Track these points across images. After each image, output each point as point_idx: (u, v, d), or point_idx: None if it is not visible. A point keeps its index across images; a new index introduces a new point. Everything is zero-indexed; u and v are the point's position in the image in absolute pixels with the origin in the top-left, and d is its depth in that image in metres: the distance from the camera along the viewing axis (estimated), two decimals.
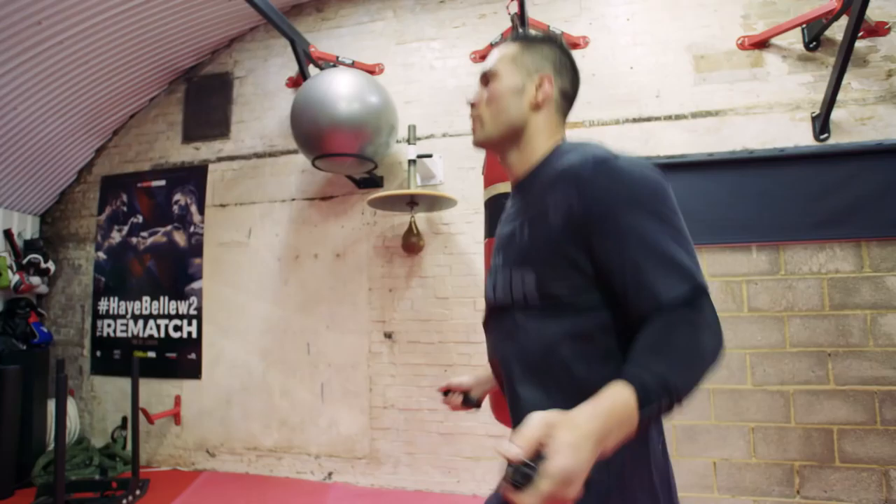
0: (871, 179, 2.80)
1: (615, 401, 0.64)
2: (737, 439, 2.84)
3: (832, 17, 2.75)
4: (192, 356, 3.77)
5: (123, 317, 3.94)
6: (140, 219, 4.00)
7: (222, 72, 3.95)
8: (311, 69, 3.39)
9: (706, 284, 0.76)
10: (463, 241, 3.36)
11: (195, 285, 3.81)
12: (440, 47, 3.54)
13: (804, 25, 2.95)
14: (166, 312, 3.85)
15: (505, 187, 1.97)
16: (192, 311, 3.80)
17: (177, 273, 3.86)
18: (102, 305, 4.01)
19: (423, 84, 3.54)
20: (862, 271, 2.81)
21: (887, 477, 2.68)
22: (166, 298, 3.87)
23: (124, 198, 4.06)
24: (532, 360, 0.88)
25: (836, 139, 2.89)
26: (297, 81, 3.73)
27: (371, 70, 3.51)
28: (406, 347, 3.38)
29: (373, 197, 3.04)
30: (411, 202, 3.09)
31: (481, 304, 3.26)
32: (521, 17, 2.57)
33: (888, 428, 2.70)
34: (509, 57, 0.98)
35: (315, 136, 2.95)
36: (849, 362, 2.76)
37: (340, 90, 2.94)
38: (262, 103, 3.84)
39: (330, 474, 3.42)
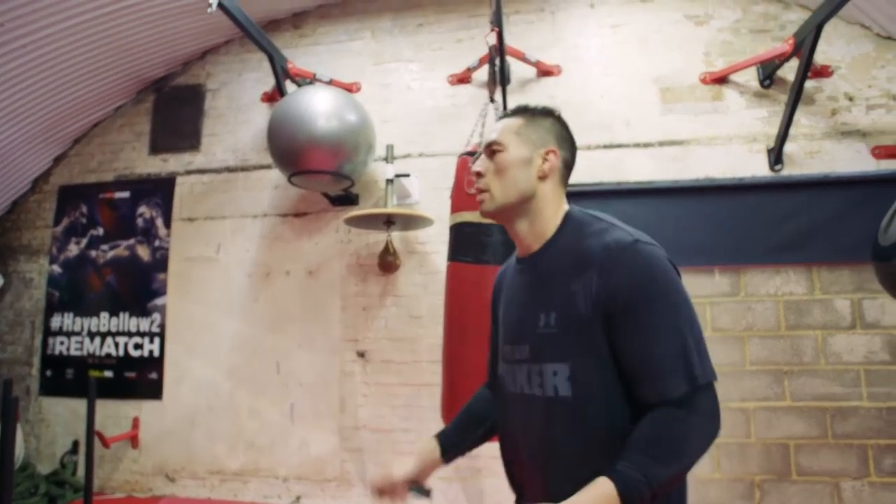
0: (820, 208, 3.01)
1: (599, 496, 0.75)
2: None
3: (784, 58, 2.98)
4: (154, 375, 3.61)
5: (78, 334, 3.74)
6: (101, 231, 3.83)
7: (194, 83, 3.88)
8: (288, 85, 3.38)
9: (710, 377, 0.84)
10: (438, 260, 3.38)
11: (158, 301, 3.67)
12: (418, 69, 3.60)
13: (759, 65, 3.17)
14: (126, 329, 3.68)
15: (470, 216, 2.07)
16: (155, 329, 3.65)
17: (139, 288, 3.71)
18: (55, 322, 3.80)
19: (400, 104, 3.58)
20: (813, 294, 3.00)
21: (838, 489, 2.83)
22: (127, 315, 3.70)
23: (84, 209, 3.88)
24: (562, 447, 0.92)
25: (789, 170, 3.10)
26: (272, 96, 3.70)
27: (349, 88, 3.53)
28: (379, 367, 3.35)
29: (350, 215, 3.03)
30: (388, 221, 3.10)
31: None
32: (499, 49, 2.65)
33: (838, 442, 2.86)
34: (514, 129, 1.02)
35: (292, 152, 2.93)
36: (803, 380, 2.93)
37: (319, 107, 2.94)
38: (236, 117, 3.78)
39: (298, 498, 3.33)
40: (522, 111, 1.06)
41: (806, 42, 2.73)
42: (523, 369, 0.97)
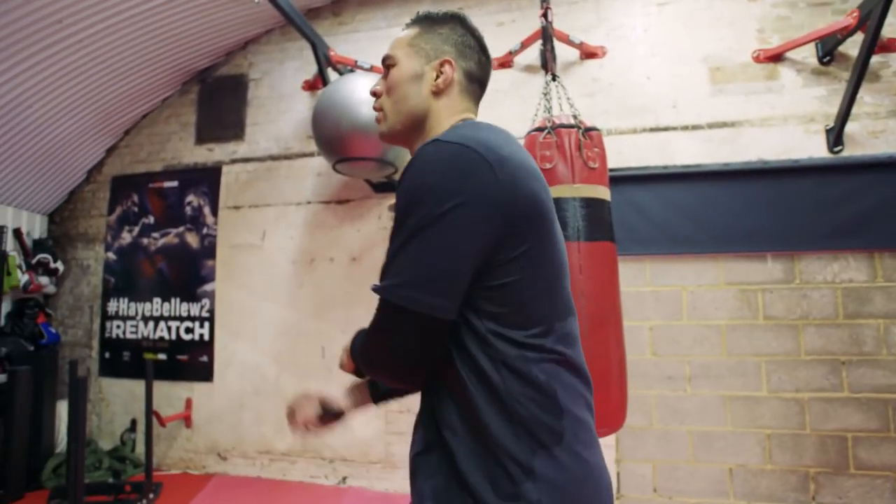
0: (883, 191, 2.86)
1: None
2: (753, 446, 2.88)
3: (847, 33, 2.82)
4: (204, 359, 3.74)
5: (133, 318, 3.91)
6: (151, 219, 3.97)
7: (237, 73, 3.95)
8: (330, 73, 3.40)
9: (402, 294, 0.74)
10: None
11: (207, 287, 3.79)
12: None
13: (818, 40, 3.01)
14: (178, 314, 3.83)
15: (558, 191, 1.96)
16: (205, 314, 3.78)
17: (189, 275, 3.84)
18: (112, 306, 3.97)
19: None
20: (875, 281, 2.87)
21: None
22: (178, 300, 3.84)
23: (135, 198, 4.03)
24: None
25: (850, 151, 2.95)
26: (313, 84, 3.73)
27: None
28: None
29: (394, 202, 3.05)
30: None
31: None
32: (548, 29, 2.59)
33: None
34: (406, 41, 0.92)
35: (337, 139, 2.96)
36: (862, 370, 2.82)
37: (363, 94, 2.95)
38: (278, 106, 3.84)
39: (344, 478, 3.42)
40: (420, 19, 0.94)
41: (872, 14, 2.58)
42: None
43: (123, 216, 4.05)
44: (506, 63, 3.44)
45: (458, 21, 0.94)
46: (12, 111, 3.23)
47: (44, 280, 3.87)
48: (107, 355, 3.96)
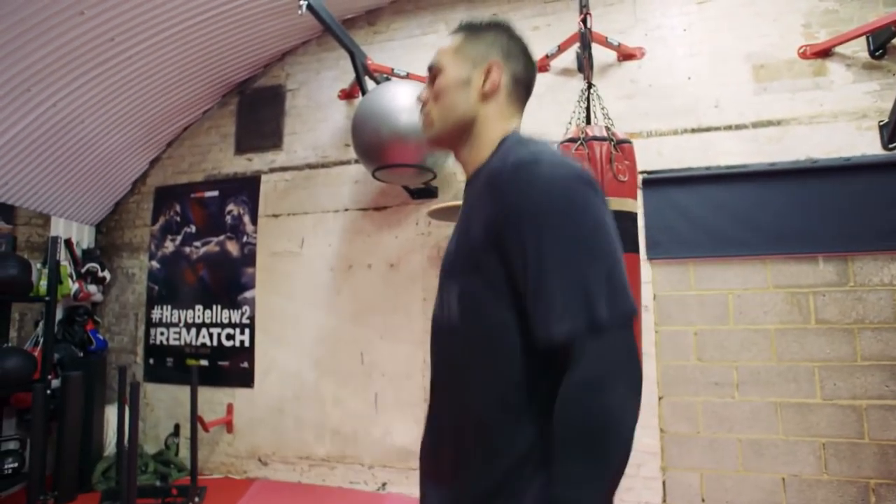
0: None
1: None
2: (807, 455, 2.78)
3: None
4: (245, 365, 3.81)
5: (176, 325, 4.01)
6: (193, 228, 4.07)
7: (275, 84, 4.03)
8: (367, 82, 3.44)
9: (620, 313, 0.68)
10: None
11: (248, 294, 3.87)
12: None
13: (869, 34, 2.91)
14: (219, 321, 3.91)
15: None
16: (245, 320, 3.85)
17: (229, 282, 3.92)
18: (156, 314, 4.08)
19: None
20: None
21: None
22: (219, 307, 3.92)
23: (177, 208, 4.14)
24: (445, 366, 0.88)
25: None
26: (349, 93, 3.79)
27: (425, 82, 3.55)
28: None
29: (434, 208, 3.06)
30: None
31: None
32: (590, 33, 2.57)
33: None
34: (452, 49, 0.93)
35: (377, 147, 2.99)
36: None
37: (401, 102, 2.98)
38: (315, 115, 3.90)
39: (384, 485, 3.42)
40: (465, 27, 0.94)
41: None
42: (439, 293, 0.92)
43: (166, 226, 4.16)
44: (542, 67, 3.43)
45: (501, 27, 0.94)
46: (66, 126, 3.36)
47: (92, 288, 4.01)
48: (151, 361, 4.07)
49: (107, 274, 4.10)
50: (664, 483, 2.98)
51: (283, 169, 3.93)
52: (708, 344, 2.98)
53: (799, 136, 3.00)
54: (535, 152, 0.77)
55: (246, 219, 3.95)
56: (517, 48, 0.94)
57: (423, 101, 0.96)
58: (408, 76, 3.50)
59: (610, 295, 0.67)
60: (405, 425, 3.42)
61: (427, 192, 3.50)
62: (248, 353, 3.82)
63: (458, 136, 0.91)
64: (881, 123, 2.89)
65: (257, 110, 4.05)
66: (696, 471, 2.95)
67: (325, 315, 3.68)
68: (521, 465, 0.74)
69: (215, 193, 4.05)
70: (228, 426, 3.79)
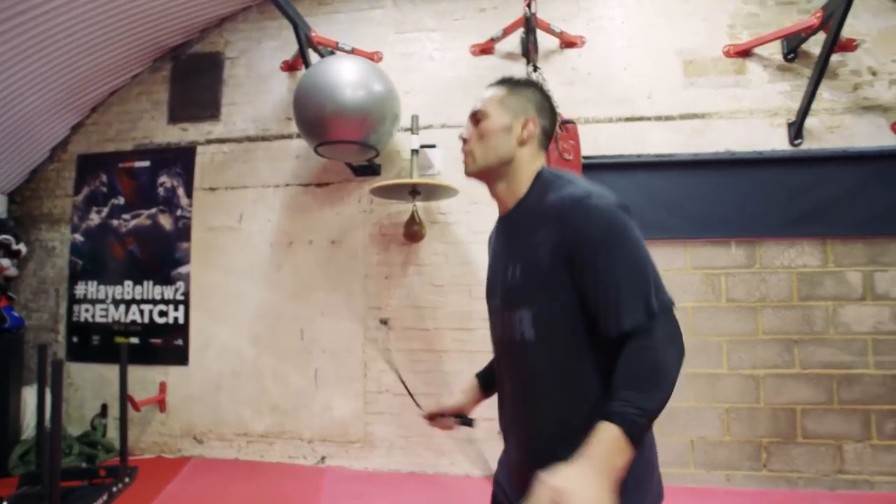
0: (837, 183, 3.07)
1: (608, 443, 0.80)
2: (713, 419, 3.09)
3: (811, 31, 2.98)
4: (179, 342, 3.70)
5: (103, 301, 3.81)
6: (121, 200, 3.86)
7: (212, 52, 3.84)
8: (311, 55, 3.36)
9: (667, 305, 0.90)
10: (459, 230, 3.45)
11: (182, 270, 3.73)
12: (440, 39, 3.58)
13: (784, 38, 3.17)
14: (151, 297, 3.75)
15: None
16: (179, 296, 3.72)
17: (162, 257, 3.76)
18: (80, 290, 3.86)
19: (422, 74, 3.58)
20: (826, 266, 3.09)
21: (841, 451, 2.98)
22: (151, 283, 3.76)
23: (104, 178, 3.90)
24: (531, 387, 1.03)
25: (808, 145, 3.14)
26: (293, 65, 3.68)
27: (370, 57, 3.51)
28: (402, 334, 3.45)
29: (377, 185, 3.07)
30: (413, 191, 3.14)
31: (476, 293, 3.36)
32: (535, 18, 2.64)
33: (844, 407, 3.00)
34: (497, 100, 1.10)
35: (320, 122, 2.95)
36: (812, 349, 3.04)
37: (346, 77, 2.94)
38: (256, 86, 3.77)
39: (323, 458, 3.47)
40: (506, 82, 1.14)
41: (835, 15, 2.74)
42: (499, 318, 1.09)
43: (91, 196, 3.91)
44: (487, 49, 3.48)
45: (537, 87, 1.15)
46: None
47: (5, 262, 3.72)
48: (74, 339, 3.86)
49: (22, 247, 3.81)
50: None
51: (221, 141, 3.78)
52: None
53: (720, 130, 3.25)
54: (584, 189, 0.97)
55: (180, 191, 3.78)
56: (547, 106, 1.14)
57: (466, 139, 1.13)
58: (353, 51, 3.45)
59: (656, 292, 0.90)
60: (345, 400, 3.47)
61: (370, 170, 3.49)
62: (182, 329, 3.70)
63: (496, 172, 1.10)
64: (790, 122, 3.18)
65: (193, 78, 3.85)
66: None
67: (265, 291, 3.63)
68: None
69: (146, 164, 3.84)
70: (161, 405, 3.69)
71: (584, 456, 0.79)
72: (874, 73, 3.14)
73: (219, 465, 3.50)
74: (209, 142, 3.79)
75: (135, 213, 3.82)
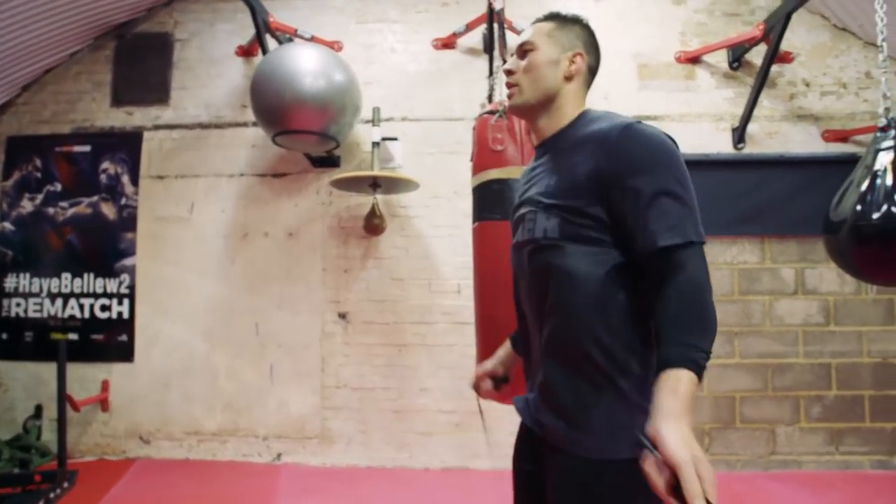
0: (774, 186, 3.29)
1: (687, 390, 0.80)
2: None
3: (754, 42, 3.17)
4: (123, 338, 3.51)
5: (37, 295, 3.56)
6: (58, 187, 3.60)
7: (161, 32, 3.64)
8: (268, 41, 3.25)
9: (697, 238, 0.90)
10: (420, 224, 3.45)
11: (127, 262, 3.53)
12: (402, 31, 3.55)
13: (730, 48, 3.35)
14: (92, 291, 3.54)
15: (497, 173, 2.04)
16: (124, 290, 3.52)
17: (105, 248, 3.55)
18: (10, 282, 3.58)
19: (383, 66, 3.54)
20: (764, 263, 3.31)
21: (774, 434, 3.22)
22: (91, 276, 3.54)
23: (38, 162, 3.63)
24: (550, 287, 1.01)
25: (750, 149, 3.35)
26: (248, 50, 3.55)
27: (330, 47, 3.43)
28: (360, 328, 3.42)
29: (337, 177, 3.02)
30: (374, 184, 3.11)
31: (436, 286, 3.38)
32: (498, 14, 2.66)
33: (777, 394, 3.24)
34: (546, 32, 1.09)
35: (278, 110, 2.86)
36: (750, 340, 3.26)
37: (306, 65, 2.87)
38: (208, 70, 3.61)
39: (279, 455, 3.40)
40: (554, 16, 1.13)
41: (775, 29, 2.92)
42: (525, 223, 1.06)
43: (23, 182, 3.63)
44: (449, 44, 3.48)
45: (584, 24, 1.14)
46: None
47: None
48: (4, 336, 3.58)
49: None
50: None
51: (171, 126, 3.60)
52: None
53: (671, 132, 3.29)
54: (629, 120, 0.97)
55: (125, 179, 3.58)
56: (593, 44, 1.13)
57: (512, 70, 1.10)
58: (313, 39, 3.36)
59: (696, 224, 0.91)
60: (302, 395, 3.41)
61: (329, 161, 3.43)
62: (127, 325, 3.51)
63: (541, 105, 1.08)
64: (734, 127, 3.37)
65: (139, 59, 3.64)
66: None
67: (218, 284, 3.50)
68: (628, 357, 0.95)
69: (86, 148, 3.61)
70: (104, 404, 3.49)
71: (668, 412, 0.78)
72: (808, 85, 3.38)
73: (167, 465, 3.36)
74: (157, 127, 3.60)
75: (74, 201, 3.58)
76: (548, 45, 1.08)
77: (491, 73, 2.59)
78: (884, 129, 2.33)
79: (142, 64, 3.62)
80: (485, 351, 2.05)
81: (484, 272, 2.09)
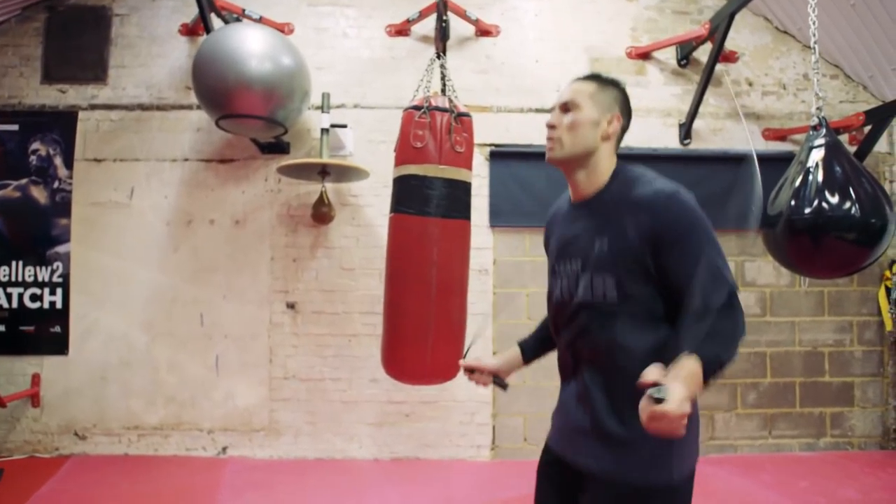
0: (717, 181, 3.39)
1: (693, 371, 0.91)
2: None
3: (700, 41, 3.25)
4: (56, 329, 3.33)
5: None
6: None
7: (97, 6, 3.43)
8: (213, 20, 3.11)
9: (737, 287, 1.07)
10: (371, 213, 3.40)
11: (60, 249, 3.35)
12: (355, 16, 3.47)
13: (678, 45, 3.43)
14: (20, 279, 3.34)
15: (416, 169, 2.11)
16: (57, 279, 3.34)
17: (35, 235, 3.35)
18: None
19: (335, 51, 3.46)
20: None
21: (713, 420, 3.36)
22: (20, 263, 3.34)
23: None
24: (602, 346, 1.13)
25: (696, 145, 3.44)
26: (193, 30, 3.39)
27: (280, 29, 3.32)
28: (309, 318, 3.36)
29: (284, 164, 2.94)
30: (323, 172, 3.05)
31: None
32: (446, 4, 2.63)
33: (716, 382, 3.36)
34: (588, 94, 1.20)
35: (221, 93, 2.75)
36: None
37: (252, 47, 2.76)
38: (150, 49, 3.43)
39: (225, 449, 3.31)
40: (595, 78, 1.23)
41: (719, 28, 3.00)
42: (576, 280, 1.18)
43: None
44: (403, 31, 3.43)
45: (621, 87, 1.24)
46: None
47: None
48: None
49: None
50: (494, 428, 3.35)
51: (109, 107, 3.42)
52: (538, 305, 3.36)
53: None
54: (673, 186, 1.12)
55: (58, 161, 3.38)
56: (627, 107, 1.23)
57: (555, 125, 1.21)
58: (261, 20, 3.25)
59: (730, 275, 1.06)
60: (249, 387, 3.33)
61: (278, 148, 3.33)
62: (60, 315, 3.34)
63: (578, 161, 1.19)
64: (681, 123, 3.45)
65: (74, 34, 3.42)
66: (521, 415, 3.36)
67: (160, 273, 3.36)
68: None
69: (14, 128, 3.38)
70: (34, 399, 3.31)
71: (674, 375, 0.89)
72: (750, 84, 3.49)
73: (105, 461, 3.23)
74: (94, 107, 3.41)
75: (0, 184, 3.36)
76: (590, 106, 1.18)
77: (439, 56, 2.55)
78: (816, 128, 2.44)
79: (76, 39, 3.41)
80: (390, 336, 2.23)
81: (394, 262, 2.20)
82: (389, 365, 2.24)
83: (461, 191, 2.20)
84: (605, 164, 1.20)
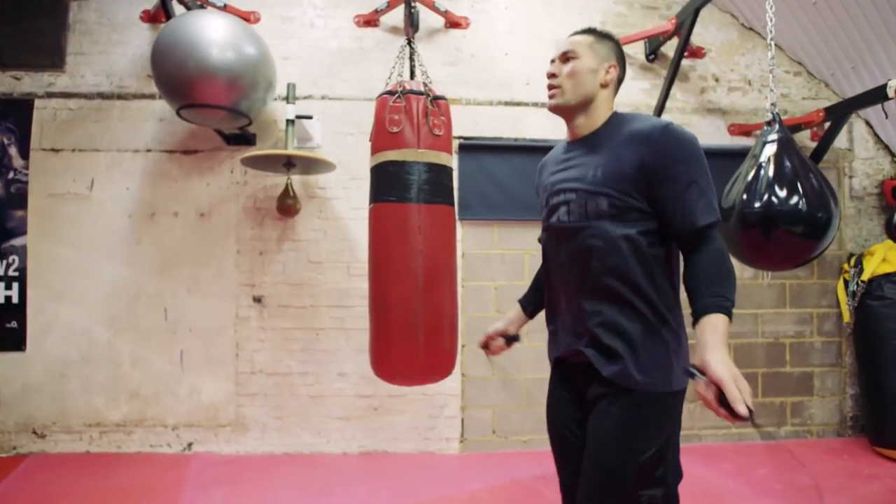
0: None
1: (723, 329, 1.04)
2: None
3: (667, 36, 3.28)
4: (13, 324, 3.23)
5: None
6: None
7: None
8: (175, 7, 3.03)
9: (719, 218, 1.17)
10: (339, 206, 3.37)
11: (16, 242, 3.24)
12: (323, 5, 3.42)
13: (646, 39, 3.45)
14: None
15: (394, 155, 2.02)
16: (12, 273, 3.24)
17: None
18: None
19: (302, 41, 3.40)
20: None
21: None
22: None
23: None
24: (602, 254, 1.21)
25: None
26: (154, 16, 3.30)
27: (245, 17, 3.25)
28: (276, 312, 3.32)
29: (247, 155, 2.89)
30: (288, 164, 3.00)
31: (355, 269, 3.32)
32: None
33: None
34: (587, 44, 1.29)
35: (181, 82, 2.68)
36: None
37: (214, 35, 2.69)
38: (110, 36, 3.33)
39: (190, 445, 3.26)
40: (592, 31, 1.32)
41: (685, 24, 3.03)
42: (571, 206, 1.25)
43: None
44: (371, 21, 3.39)
45: (616, 41, 1.35)
46: None
47: None
48: None
49: None
50: (462, 420, 3.36)
51: (67, 95, 3.31)
52: (506, 298, 3.37)
53: None
54: (666, 120, 1.20)
55: (12, 151, 3.27)
56: (623, 58, 1.34)
57: (555, 74, 1.29)
58: (226, 8, 3.17)
59: (717, 206, 1.16)
60: (215, 382, 3.28)
61: (243, 139, 3.27)
62: (17, 310, 3.24)
63: (579, 107, 1.28)
64: None
65: (29, 18, 3.30)
66: (490, 408, 3.37)
67: (122, 267, 3.28)
68: (668, 313, 1.20)
69: None
70: None
71: (711, 345, 1.01)
72: (717, 80, 3.54)
73: (65, 459, 3.15)
74: (51, 95, 3.30)
75: None
76: (589, 55, 1.27)
77: (409, 43, 2.52)
78: (769, 124, 2.48)
79: (31, 24, 3.29)
80: (377, 334, 2.07)
81: (377, 255, 2.09)
82: (380, 366, 2.04)
83: (443, 175, 2.07)
84: (603, 110, 1.29)
